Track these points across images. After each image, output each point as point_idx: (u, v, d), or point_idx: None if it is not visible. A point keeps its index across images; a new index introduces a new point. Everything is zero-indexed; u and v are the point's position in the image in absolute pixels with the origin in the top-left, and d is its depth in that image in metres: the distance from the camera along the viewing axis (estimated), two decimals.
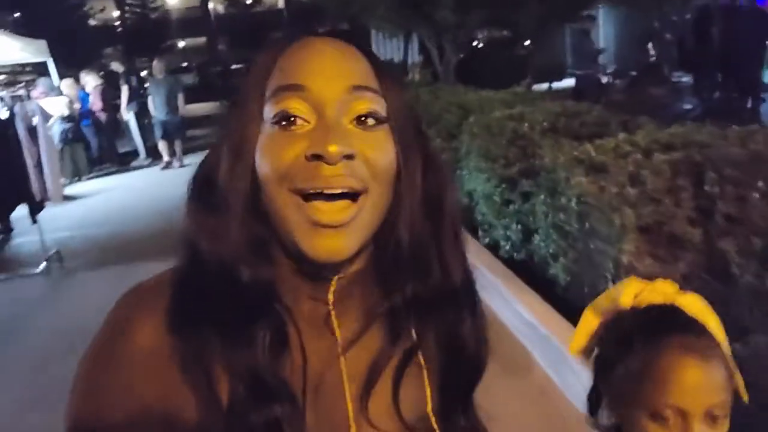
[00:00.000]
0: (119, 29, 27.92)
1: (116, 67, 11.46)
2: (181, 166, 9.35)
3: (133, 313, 0.59)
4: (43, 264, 4.97)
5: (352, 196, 0.57)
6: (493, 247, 4.02)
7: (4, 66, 10.64)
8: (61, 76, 9.71)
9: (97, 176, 9.61)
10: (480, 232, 4.25)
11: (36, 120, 4.91)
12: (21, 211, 5.20)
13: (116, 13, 28.45)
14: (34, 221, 4.88)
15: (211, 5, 31.31)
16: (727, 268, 2.12)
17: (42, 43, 9.58)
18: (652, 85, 11.26)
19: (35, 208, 4.82)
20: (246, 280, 0.58)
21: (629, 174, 2.49)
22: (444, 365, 0.67)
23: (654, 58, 12.61)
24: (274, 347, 0.57)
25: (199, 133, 10.73)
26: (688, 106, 10.28)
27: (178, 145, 9.59)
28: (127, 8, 27.72)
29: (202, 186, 0.62)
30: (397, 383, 0.64)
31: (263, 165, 0.58)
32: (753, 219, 2.12)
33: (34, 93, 8.77)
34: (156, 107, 9.20)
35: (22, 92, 8.12)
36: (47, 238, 5.12)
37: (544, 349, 2.98)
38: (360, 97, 0.58)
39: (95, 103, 9.59)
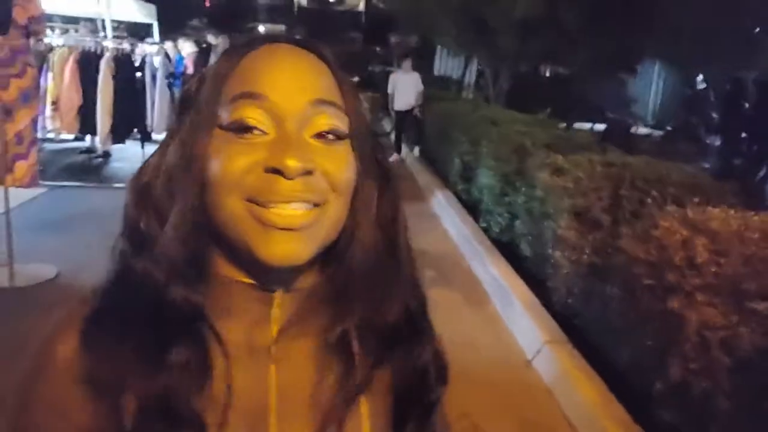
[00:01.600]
0: (208, 5, 29.83)
1: (211, 39, 12.91)
2: None
3: (56, 327, 0.57)
4: None
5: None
6: (486, 229, 5.16)
7: (122, 22, 12.23)
8: (162, 40, 11.22)
9: None
10: (480, 218, 5.40)
11: (159, 70, 6.27)
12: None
13: None
14: (143, 146, 6.25)
15: None
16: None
17: (152, 7, 11.14)
18: (683, 141, 12.09)
19: (146, 137, 6.18)
20: (176, 301, 0.55)
21: (574, 177, 3.60)
22: (399, 392, 0.63)
23: (692, 118, 13.41)
24: (192, 374, 0.54)
25: None
26: (706, 165, 11.12)
27: None
28: None
29: (142, 192, 0.58)
30: (339, 420, 0.58)
31: (214, 171, 0.54)
32: (650, 213, 3.19)
33: (139, 49, 10.27)
34: None
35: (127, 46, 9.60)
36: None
37: (501, 296, 4.09)
38: (322, 112, 0.56)
39: (188, 67, 11.03)
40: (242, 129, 0.54)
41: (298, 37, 0.61)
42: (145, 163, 0.60)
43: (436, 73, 16.40)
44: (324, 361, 0.60)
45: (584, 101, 12.65)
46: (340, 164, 0.57)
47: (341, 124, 0.58)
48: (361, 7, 32.33)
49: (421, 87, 9.48)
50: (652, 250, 2.53)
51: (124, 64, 6.27)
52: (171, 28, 15.04)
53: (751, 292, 2.10)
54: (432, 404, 0.65)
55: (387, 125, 12.04)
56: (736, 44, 11.44)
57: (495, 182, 4.99)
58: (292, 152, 0.53)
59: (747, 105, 11.19)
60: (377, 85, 15.22)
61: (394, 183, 0.64)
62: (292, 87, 0.56)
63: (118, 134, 6.42)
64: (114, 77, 6.05)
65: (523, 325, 3.59)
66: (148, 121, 6.23)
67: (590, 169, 3.65)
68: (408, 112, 9.43)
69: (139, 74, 6.48)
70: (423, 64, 13.04)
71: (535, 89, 13.88)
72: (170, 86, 10.66)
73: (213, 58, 9.21)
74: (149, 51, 7.62)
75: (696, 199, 2.88)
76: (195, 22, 26.49)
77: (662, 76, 16.24)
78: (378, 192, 0.62)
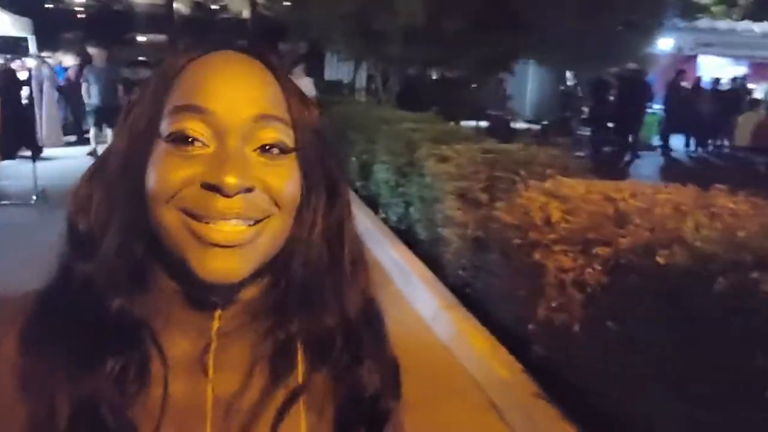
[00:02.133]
0: (81, 16, 28.49)
1: (91, 50, 12.51)
2: None
3: None
4: (34, 197, 6.21)
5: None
6: (385, 220, 5.60)
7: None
8: (39, 53, 10.79)
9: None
10: (379, 210, 5.83)
11: (45, 83, 6.18)
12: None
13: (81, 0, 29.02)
14: (34, 161, 6.12)
15: (176, 5, 32.09)
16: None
17: (27, 21, 10.71)
18: (558, 134, 13.28)
19: (37, 152, 6.06)
20: (114, 310, 0.54)
21: (457, 163, 4.10)
22: (342, 407, 0.62)
23: (566, 112, 14.74)
24: (128, 381, 0.54)
25: None
26: (580, 154, 12.33)
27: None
28: None
29: (83, 201, 0.58)
30: (273, 429, 0.59)
31: (151, 183, 0.53)
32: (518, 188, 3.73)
33: (15, 64, 9.85)
34: (92, 95, 9.31)
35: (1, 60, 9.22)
36: (27, 184, 6.35)
37: (401, 276, 4.53)
38: (266, 126, 0.55)
39: (71, 79, 10.69)
40: (182, 141, 0.53)
41: (242, 43, 0.60)
42: (88, 170, 0.60)
43: (327, 78, 16.77)
44: (262, 372, 0.59)
45: (468, 101, 13.52)
46: (284, 179, 0.56)
47: (286, 138, 0.57)
48: (246, 14, 32.04)
49: (313, 92, 9.82)
50: (518, 215, 3.04)
51: (8, 79, 6.12)
52: (48, 42, 14.42)
53: (594, 240, 2.64)
54: (380, 420, 0.64)
55: None
56: (600, 43, 12.73)
57: (390, 176, 5.44)
58: (231, 169, 0.52)
59: (611, 98, 12.54)
60: None
61: (343, 194, 0.63)
62: (235, 100, 0.54)
63: (7, 150, 6.25)
64: None
65: (422, 297, 4.05)
66: (38, 135, 6.12)
67: (470, 155, 4.17)
68: None
69: (25, 88, 6.34)
70: (313, 69, 13.35)
71: (424, 91, 14.63)
72: (58, 100, 10.35)
73: (90, 71, 8.95)
74: (31, 65, 7.42)
75: (553, 173, 3.44)
76: (70, 35, 25.26)
77: (536, 75, 17.59)
78: (325, 204, 0.61)
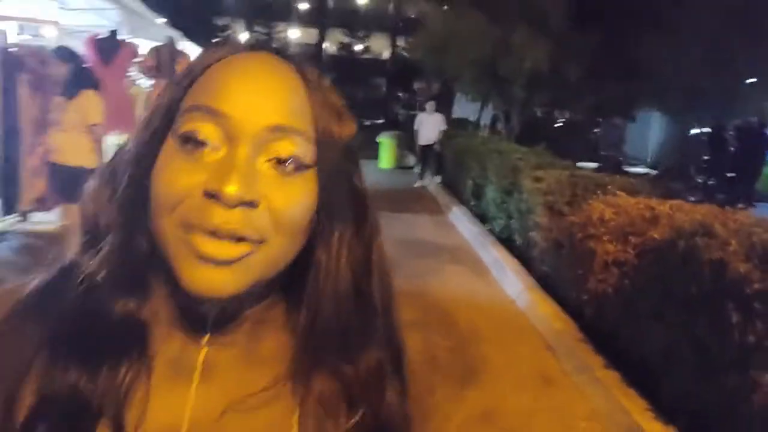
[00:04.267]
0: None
1: None
2: None
3: None
4: None
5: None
6: (491, 230, 6.84)
7: None
8: None
9: None
10: (486, 223, 7.08)
11: None
12: None
13: (245, 35, 33.05)
14: None
15: (325, 45, 35.32)
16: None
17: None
18: (674, 179, 13.69)
19: None
20: (112, 306, 0.53)
21: (548, 183, 5.28)
22: None
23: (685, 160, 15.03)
24: (110, 381, 0.51)
25: None
26: (691, 199, 12.69)
27: None
28: (255, 34, 32.20)
29: (95, 195, 0.56)
30: None
31: (156, 186, 0.51)
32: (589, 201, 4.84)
33: None
34: None
35: None
36: None
37: (498, 269, 5.72)
38: (283, 138, 0.51)
39: None
40: (192, 142, 0.50)
41: (278, 47, 0.56)
42: (105, 164, 0.57)
43: (454, 115, 18.22)
44: (247, 392, 0.55)
45: (583, 142, 14.33)
46: (292, 200, 0.51)
47: (303, 153, 0.52)
48: (386, 55, 34.51)
49: (444, 126, 11.31)
50: (582, 217, 4.19)
51: None
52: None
53: (631, 232, 3.73)
54: None
55: (411, 160, 13.84)
56: (720, 95, 13.10)
57: (497, 194, 6.68)
58: (235, 178, 0.47)
59: (731, 149, 12.85)
60: (401, 127, 17.12)
61: (371, 219, 0.58)
62: (252, 106, 0.50)
63: None
64: None
65: (511, 282, 5.24)
66: None
67: (559, 178, 5.33)
68: (429, 147, 11.24)
69: None
70: (443, 107, 14.77)
71: (542, 131, 15.61)
72: None
73: None
74: None
75: (620, 194, 4.54)
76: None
77: (659, 122, 17.92)
78: (352, 228, 0.56)
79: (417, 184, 11.31)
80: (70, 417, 0.51)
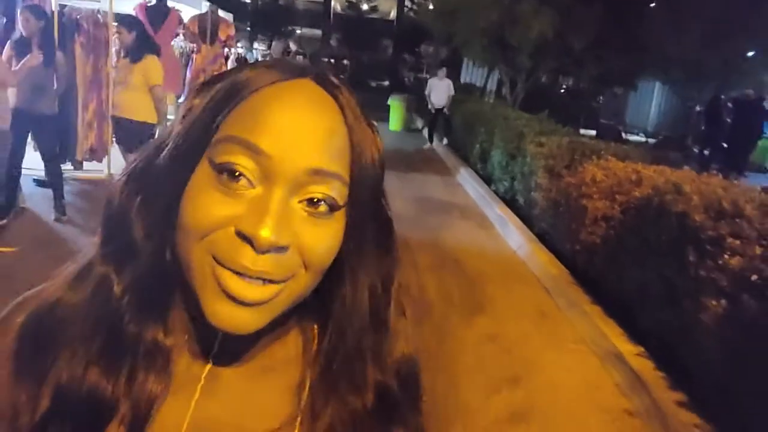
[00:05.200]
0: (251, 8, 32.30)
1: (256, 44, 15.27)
2: None
3: (12, 313, 0.57)
4: None
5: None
6: (495, 191, 7.50)
7: None
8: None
9: None
10: (491, 184, 7.74)
11: None
12: None
13: None
14: None
15: (333, 3, 34.99)
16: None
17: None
18: (672, 149, 14.29)
19: None
20: (135, 333, 0.53)
21: (549, 147, 5.91)
22: None
23: (684, 130, 15.61)
24: (127, 386, 0.53)
25: None
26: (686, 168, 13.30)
27: None
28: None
29: (122, 202, 0.54)
30: None
31: (187, 212, 0.50)
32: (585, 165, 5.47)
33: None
34: None
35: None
36: None
37: (501, 224, 6.40)
38: (321, 182, 0.50)
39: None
40: (229, 173, 0.49)
41: (325, 74, 0.54)
42: (130, 168, 0.55)
43: (462, 81, 18.60)
44: (249, 409, 0.56)
45: (585, 109, 14.85)
46: (322, 241, 0.51)
47: (338, 196, 0.51)
48: (393, 15, 34.29)
49: (452, 92, 11.84)
50: (577, 179, 4.84)
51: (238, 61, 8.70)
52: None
53: (617, 192, 4.39)
54: None
55: (419, 122, 14.38)
56: (719, 68, 13.56)
57: (502, 158, 7.31)
58: (270, 223, 0.47)
59: (728, 120, 13.40)
60: (408, 89, 17.55)
61: (394, 252, 0.58)
62: (295, 147, 0.49)
63: None
64: None
65: (513, 236, 5.92)
66: None
67: (560, 143, 5.96)
68: (439, 111, 11.81)
69: None
70: (451, 72, 15.20)
71: (546, 98, 16.09)
72: None
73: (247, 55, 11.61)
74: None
75: (612, 159, 5.17)
76: (241, 25, 29.02)
77: (660, 93, 18.40)
78: (375, 262, 0.57)
79: (426, 147, 11.93)
80: (85, 418, 0.52)
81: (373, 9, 35.28)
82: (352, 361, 0.57)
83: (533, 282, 4.96)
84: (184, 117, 0.53)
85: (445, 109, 11.79)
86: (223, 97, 0.51)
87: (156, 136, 0.69)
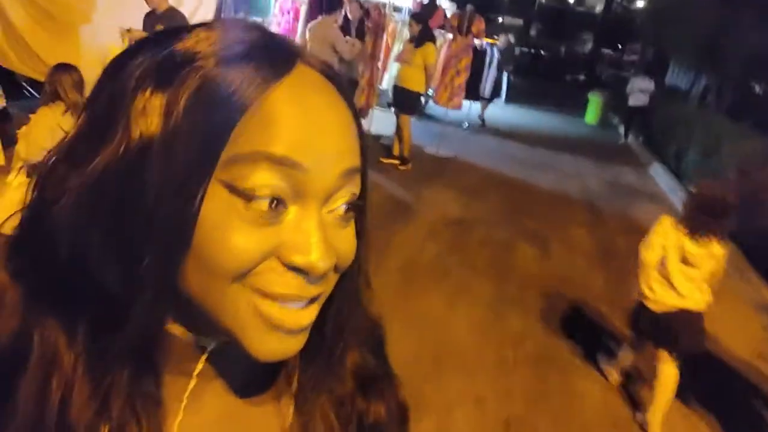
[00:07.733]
0: None
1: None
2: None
3: None
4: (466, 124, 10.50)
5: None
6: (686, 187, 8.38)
7: None
8: None
9: None
10: (684, 179, 8.60)
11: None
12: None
13: None
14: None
15: None
16: None
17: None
18: None
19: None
20: (122, 374, 0.45)
21: (743, 151, 6.74)
22: None
23: None
24: (107, 404, 0.45)
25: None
26: None
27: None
28: None
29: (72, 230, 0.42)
30: None
31: (216, 252, 0.41)
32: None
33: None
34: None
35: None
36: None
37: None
38: (348, 183, 0.46)
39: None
40: (261, 198, 0.41)
41: (304, 52, 0.46)
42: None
43: (666, 82, 18.36)
44: (238, 416, 0.53)
45: None
46: (350, 242, 0.48)
47: (356, 189, 0.47)
48: (599, 9, 33.62)
49: (653, 92, 12.38)
50: (762, 177, 5.73)
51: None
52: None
53: None
54: None
55: (615, 119, 15.00)
56: None
57: (698, 157, 8.16)
58: (320, 248, 0.43)
59: None
60: (604, 85, 17.77)
61: (366, 233, 0.52)
62: (327, 154, 0.43)
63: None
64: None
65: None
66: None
67: (752, 148, 6.75)
68: (638, 109, 12.44)
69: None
70: (655, 73, 15.26)
71: (757, 107, 15.50)
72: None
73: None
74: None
75: None
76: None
77: None
78: (364, 239, 0.52)
79: (621, 142, 12.70)
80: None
81: (580, 1, 34.92)
82: (333, 354, 0.54)
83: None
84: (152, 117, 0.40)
85: (644, 109, 12.39)
86: (222, 107, 0.40)
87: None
